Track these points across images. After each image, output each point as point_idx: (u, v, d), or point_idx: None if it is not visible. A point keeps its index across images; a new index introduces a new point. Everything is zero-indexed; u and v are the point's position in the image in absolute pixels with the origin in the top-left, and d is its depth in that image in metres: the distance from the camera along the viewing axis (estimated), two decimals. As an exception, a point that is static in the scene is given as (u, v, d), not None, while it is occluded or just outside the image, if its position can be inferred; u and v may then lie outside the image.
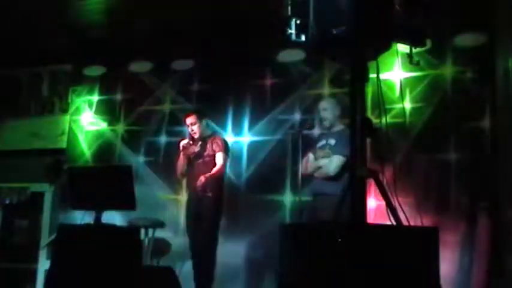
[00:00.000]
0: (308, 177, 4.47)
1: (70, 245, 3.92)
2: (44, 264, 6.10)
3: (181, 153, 4.85)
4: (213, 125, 5.47)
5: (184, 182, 5.45)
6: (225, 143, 4.94)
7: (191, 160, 4.89)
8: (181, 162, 4.91)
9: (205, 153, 4.85)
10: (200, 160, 4.82)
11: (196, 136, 4.90)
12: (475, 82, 4.95)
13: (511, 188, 4.29)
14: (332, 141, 4.28)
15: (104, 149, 6.35)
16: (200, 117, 4.95)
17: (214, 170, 4.73)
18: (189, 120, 4.95)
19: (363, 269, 2.15)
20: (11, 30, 5.96)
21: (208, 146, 4.85)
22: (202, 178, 4.60)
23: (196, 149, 4.86)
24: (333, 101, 4.49)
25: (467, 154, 4.85)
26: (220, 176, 4.80)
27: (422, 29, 2.58)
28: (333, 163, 4.14)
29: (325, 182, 4.19)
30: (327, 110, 4.39)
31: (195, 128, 4.90)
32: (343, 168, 4.07)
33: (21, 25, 5.88)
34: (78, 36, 6.00)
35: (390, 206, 2.45)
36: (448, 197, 4.80)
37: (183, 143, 4.85)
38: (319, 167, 4.26)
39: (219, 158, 4.80)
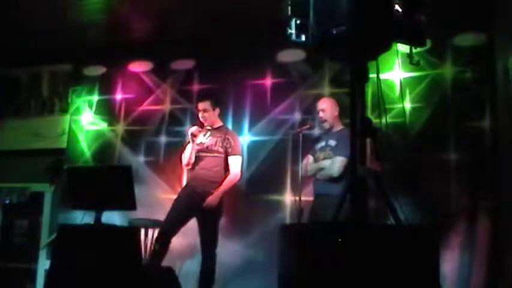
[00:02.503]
0: (308, 180, 4.46)
1: (70, 245, 3.92)
2: (44, 264, 6.10)
3: (191, 141, 4.58)
4: (226, 116, 5.28)
5: (184, 179, 5.39)
6: (240, 143, 4.66)
7: (196, 151, 4.60)
8: (189, 150, 4.60)
9: (214, 148, 4.56)
10: (206, 154, 4.56)
11: (206, 124, 4.62)
12: (475, 82, 4.95)
13: (511, 188, 4.29)
14: (333, 143, 4.25)
15: (104, 149, 6.36)
16: (214, 104, 4.64)
17: (228, 181, 4.49)
18: (202, 106, 4.62)
19: (363, 269, 2.15)
20: (11, 30, 5.96)
21: (218, 140, 4.57)
22: (213, 199, 4.38)
23: (204, 140, 4.61)
24: (330, 101, 4.44)
25: (467, 154, 4.85)
26: (234, 186, 4.56)
27: (422, 29, 2.59)
28: (335, 164, 4.10)
29: (327, 183, 4.16)
30: (325, 110, 4.35)
31: (207, 115, 4.59)
32: (346, 169, 4.06)
33: (21, 25, 5.88)
34: (78, 36, 6.00)
35: (390, 206, 2.45)
36: (448, 197, 4.80)
37: (193, 129, 4.58)
38: (321, 169, 4.23)
39: (234, 163, 4.53)
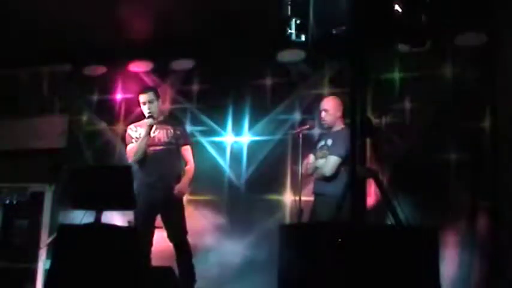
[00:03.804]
0: (308, 178, 4.48)
1: (70, 244, 3.92)
2: (44, 264, 6.10)
3: (146, 134, 4.39)
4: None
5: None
6: (188, 132, 4.63)
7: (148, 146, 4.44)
8: (142, 145, 4.40)
9: (166, 140, 4.47)
10: (158, 147, 4.44)
11: (153, 116, 4.45)
12: (475, 82, 4.95)
13: (511, 188, 4.30)
14: (329, 142, 4.29)
15: (104, 149, 6.35)
16: (157, 95, 4.56)
17: (190, 171, 4.48)
18: (145, 97, 4.48)
19: (363, 269, 2.15)
20: (11, 30, 5.96)
21: (168, 132, 4.48)
22: (183, 186, 4.38)
23: (152, 133, 4.46)
24: (334, 102, 4.45)
25: (467, 154, 4.85)
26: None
27: (423, 29, 2.59)
28: (328, 163, 4.16)
29: (323, 182, 4.20)
30: (329, 111, 4.37)
31: (153, 106, 4.46)
32: (339, 169, 4.09)
33: (21, 25, 5.88)
34: (78, 36, 5.99)
35: (390, 206, 2.46)
36: (448, 197, 4.80)
37: (150, 121, 4.42)
38: (317, 168, 4.29)
39: (188, 153, 4.52)
